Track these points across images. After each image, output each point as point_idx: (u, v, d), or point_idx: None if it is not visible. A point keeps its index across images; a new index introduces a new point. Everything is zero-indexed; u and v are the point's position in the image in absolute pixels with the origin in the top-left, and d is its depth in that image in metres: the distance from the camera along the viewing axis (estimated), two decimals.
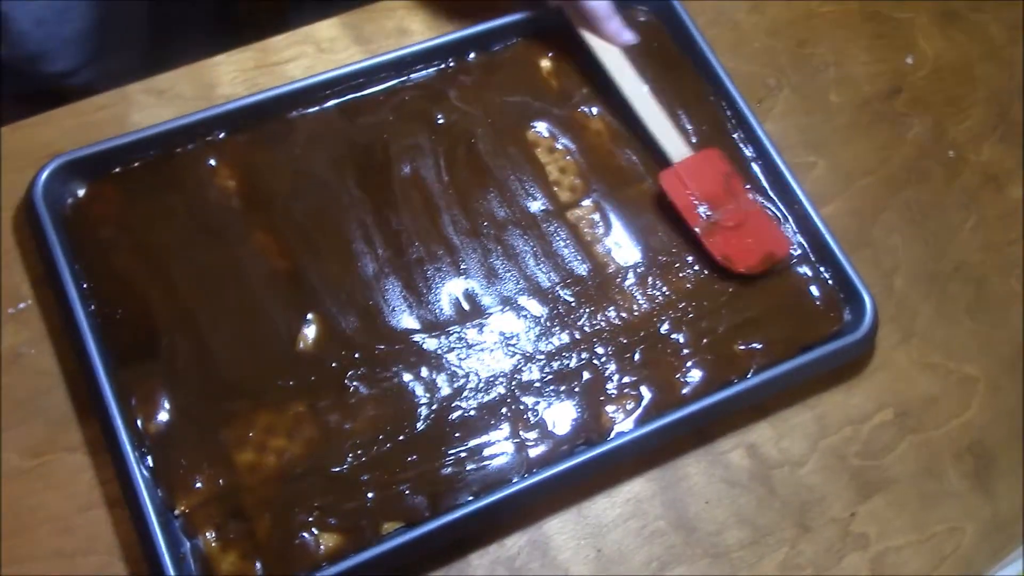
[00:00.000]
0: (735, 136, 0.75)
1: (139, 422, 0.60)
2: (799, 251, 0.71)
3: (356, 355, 0.64)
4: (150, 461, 0.59)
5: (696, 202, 0.70)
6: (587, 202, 0.71)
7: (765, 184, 0.73)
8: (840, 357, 0.69)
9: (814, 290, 0.70)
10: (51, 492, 0.60)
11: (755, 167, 0.74)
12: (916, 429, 0.70)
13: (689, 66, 0.76)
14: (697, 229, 0.69)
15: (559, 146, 0.73)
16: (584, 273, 0.69)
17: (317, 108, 0.71)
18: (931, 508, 0.68)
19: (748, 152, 0.74)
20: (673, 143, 0.72)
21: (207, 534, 0.59)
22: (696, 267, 0.70)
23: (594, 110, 0.74)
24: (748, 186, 0.72)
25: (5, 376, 0.63)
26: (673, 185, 0.70)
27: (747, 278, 0.69)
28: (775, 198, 0.73)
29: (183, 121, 0.67)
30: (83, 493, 0.61)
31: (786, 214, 0.72)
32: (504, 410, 0.64)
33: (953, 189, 0.79)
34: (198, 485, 0.60)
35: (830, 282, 0.70)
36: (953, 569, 0.66)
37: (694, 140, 0.74)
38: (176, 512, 0.59)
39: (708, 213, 0.69)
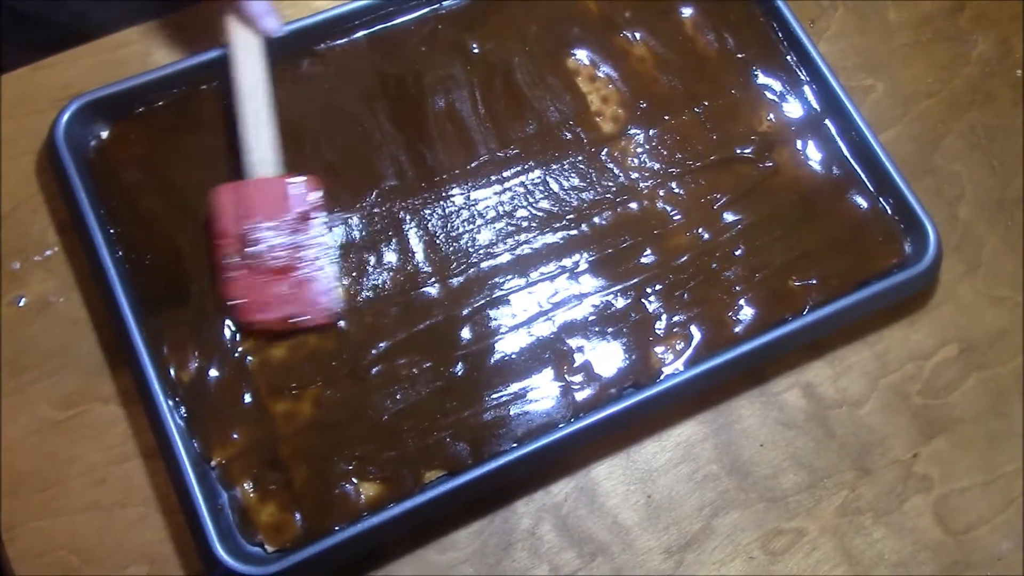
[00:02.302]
0: (788, 59, 0.70)
1: (172, 371, 0.59)
2: (851, 179, 0.67)
3: (392, 298, 0.62)
4: (184, 411, 0.58)
5: (245, 230, 0.59)
6: (631, 133, 0.68)
7: (820, 109, 0.69)
8: (901, 291, 0.65)
9: (873, 221, 0.67)
10: (85, 444, 0.59)
11: (809, 91, 0.70)
12: (982, 365, 0.67)
13: None
14: (225, 260, 0.60)
15: (600, 74, 0.69)
16: (630, 208, 0.65)
17: (346, 40, 0.68)
18: (998, 448, 0.65)
19: (801, 75, 0.70)
20: (262, 155, 0.61)
21: (245, 485, 0.57)
22: (747, 200, 0.66)
23: (637, 35, 0.70)
24: (315, 237, 0.61)
25: (35, 325, 0.61)
26: (226, 202, 0.60)
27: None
28: (832, 124, 0.69)
29: (206, 57, 0.65)
30: (117, 444, 0.59)
31: (844, 141, 0.68)
32: (547, 352, 0.61)
33: (1021, 111, 0.74)
34: (234, 436, 0.58)
35: (890, 212, 0.67)
36: (1021, 512, 0.63)
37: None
38: (212, 463, 0.57)
39: (253, 248, 0.59)
